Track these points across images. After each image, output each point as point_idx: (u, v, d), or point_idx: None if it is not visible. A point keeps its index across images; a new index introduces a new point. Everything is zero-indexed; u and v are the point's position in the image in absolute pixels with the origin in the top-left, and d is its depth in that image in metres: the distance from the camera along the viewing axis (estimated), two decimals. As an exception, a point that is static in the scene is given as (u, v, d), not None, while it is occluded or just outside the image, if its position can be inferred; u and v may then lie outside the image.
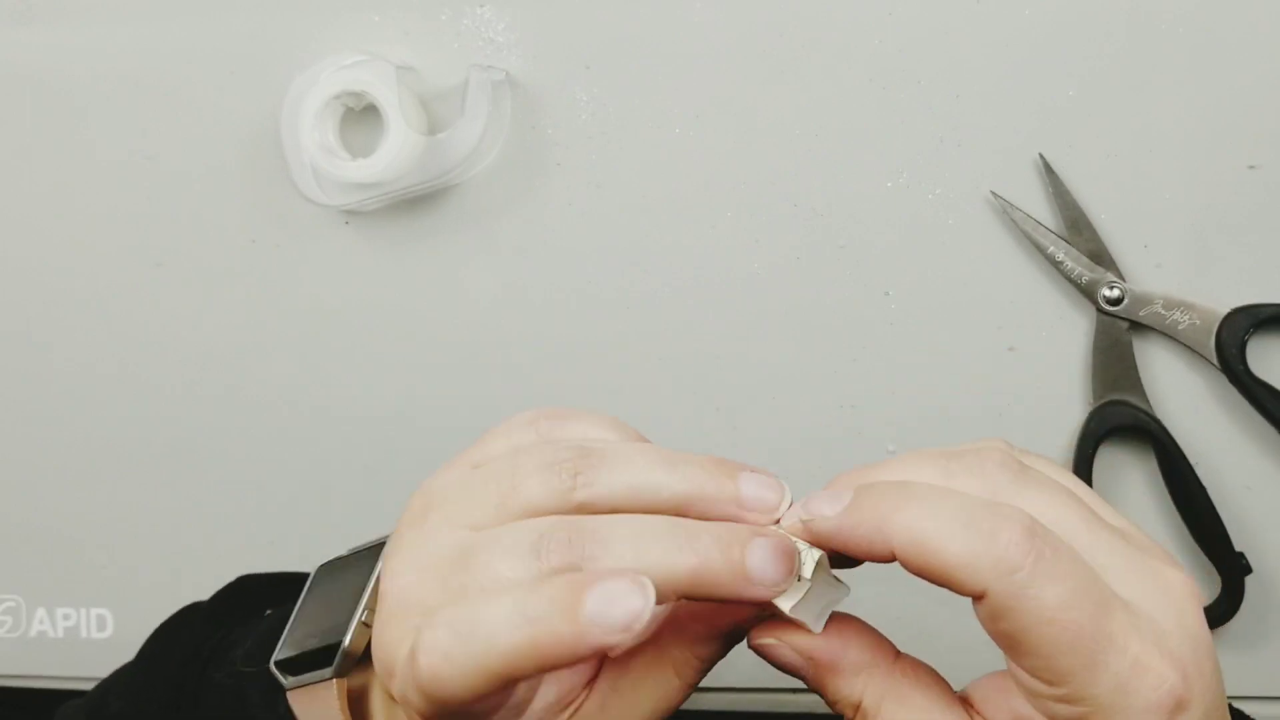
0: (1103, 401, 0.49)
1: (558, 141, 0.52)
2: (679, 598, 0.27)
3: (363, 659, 0.34)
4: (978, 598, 0.26)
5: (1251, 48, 0.47)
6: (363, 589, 0.34)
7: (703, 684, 0.53)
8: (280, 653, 0.36)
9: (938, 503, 0.27)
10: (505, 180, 0.52)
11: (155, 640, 0.41)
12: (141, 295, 0.56)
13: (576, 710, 0.31)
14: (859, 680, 0.29)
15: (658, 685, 0.31)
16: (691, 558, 0.27)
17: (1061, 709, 0.27)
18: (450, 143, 0.51)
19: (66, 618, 0.57)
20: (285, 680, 0.35)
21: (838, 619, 0.29)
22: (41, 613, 0.58)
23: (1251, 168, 0.48)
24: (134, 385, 0.56)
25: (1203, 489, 0.48)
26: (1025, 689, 0.27)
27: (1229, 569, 0.48)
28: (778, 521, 0.29)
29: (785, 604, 0.28)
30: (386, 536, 0.35)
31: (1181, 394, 0.49)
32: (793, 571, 0.27)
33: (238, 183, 0.54)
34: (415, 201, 0.53)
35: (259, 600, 0.42)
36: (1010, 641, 0.26)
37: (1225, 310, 0.47)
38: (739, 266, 0.51)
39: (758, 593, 0.27)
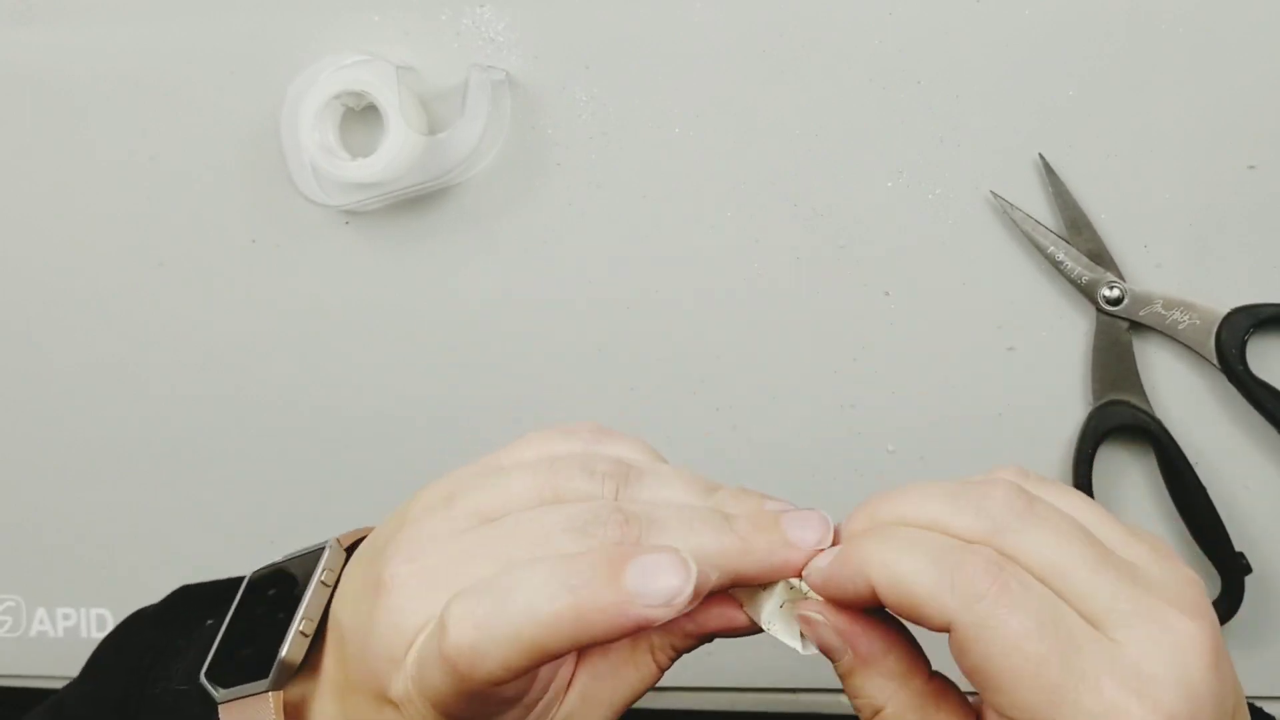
0: (1103, 401, 0.49)
1: (558, 141, 0.52)
2: (723, 583, 0.28)
3: (299, 671, 0.32)
4: (947, 630, 0.26)
5: (1251, 48, 0.47)
6: (300, 598, 0.33)
7: (702, 684, 0.53)
8: (211, 664, 0.34)
9: (912, 543, 0.27)
10: (505, 180, 0.52)
11: (103, 649, 0.39)
12: (141, 295, 0.56)
13: (560, 702, 0.31)
14: (890, 686, 0.29)
15: (636, 670, 0.31)
16: (735, 539, 0.27)
17: None
18: (450, 143, 0.51)
19: (66, 617, 0.57)
20: (217, 694, 0.33)
21: (887, 622, 0.30)
22: (42, 613, 0.58)
23: (1251, 168, 0.48)
24: (134, 385, 0.56)
25: (1202, 489, 0.48)
26: None
27: (1229, 569, 0.48)
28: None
29: (761, 617, 0.29)
30: (321, 544, 0.34)
31: (1181, 394, 0.49)
32: (827, 533, 0.28)
33: (238, 183, 0.54)
34: (415, 201, 0.53)
35: (207, 608, 0.39)
36: (978, 677, 0.26)
37: (1225, 310, 0.47)
38: (739, 266, 0.51)
39: (797, 558, 0.28)
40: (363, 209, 0.52)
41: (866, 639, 0.29)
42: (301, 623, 0.32)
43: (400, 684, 0.28)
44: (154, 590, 0.57)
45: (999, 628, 0.25)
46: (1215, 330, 0.47)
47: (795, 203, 0.51)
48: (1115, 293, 0.48)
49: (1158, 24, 0.48)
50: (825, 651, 0.29)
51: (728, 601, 0.30)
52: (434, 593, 0.27)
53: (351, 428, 0.55)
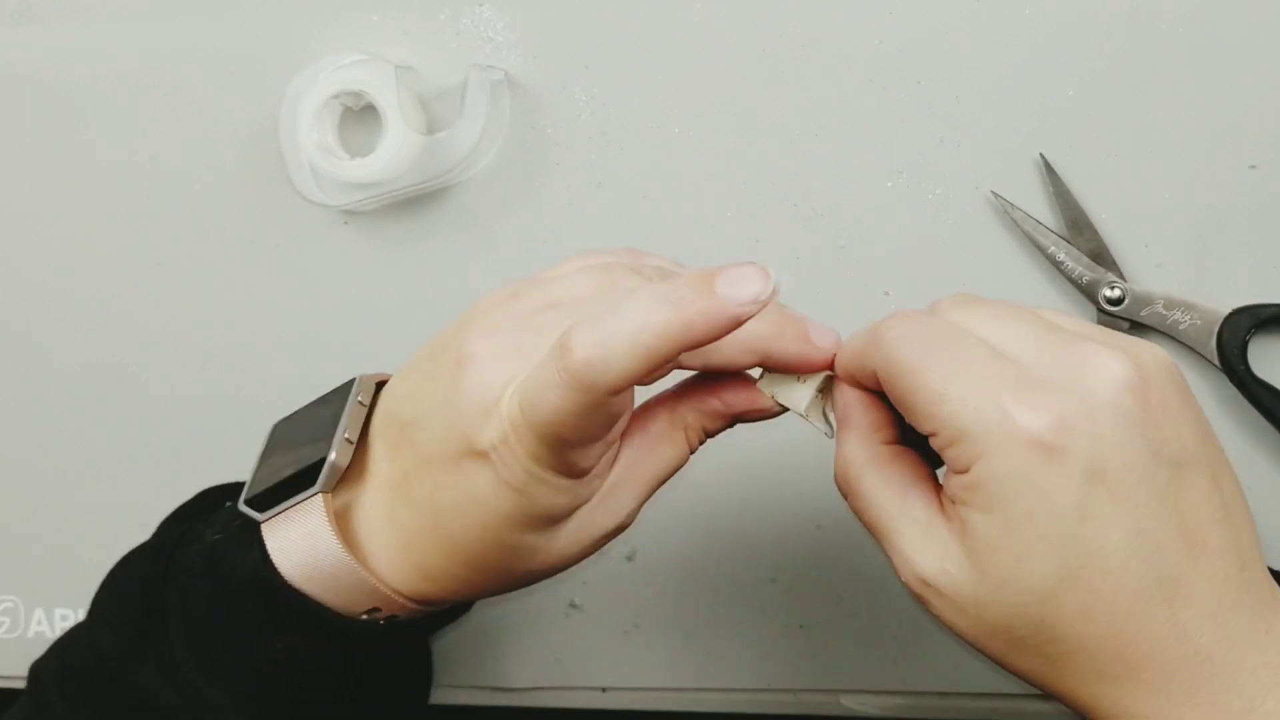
0: (1103, 402, 0.48)
1: (557, 141, 0.52)
2: (758, 359, 0.34)
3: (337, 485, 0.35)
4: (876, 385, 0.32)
5: (1251, 48, 0.47)
6: (339, 416, 0.35)
7: (702, 684, 0.53)
8: (249, 492, 0.36)
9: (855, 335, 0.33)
10: (504, 180, 0.52)
11: (110, 573, 0.41)
12: (141, 295, 0.56)
13: (611, 467, 0.35)
14: (860, 451, 0.34)
15: (671, 446, 0.35)
16: (770, 324, 0.34)
17: (950, 453, 0.30)
18: (449, 142, 0.51)
19: (64, 618, 0.57)
20: (259, 516, 0.35)
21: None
22: (40, 613, 0.58)
23: (1252, 168, 0.47)
24: (134, 385, 0.56)
25: (1203, 490, 0.47)
26: (941, 457, 0.31)
27: (1230, 570, 0.48)
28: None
29: (800, 405, 0.35)
30: (349, 380, 0.37)
31: (1182, 394, 0.49)
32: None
33: (237, 183, 0.54)
34: (414, 201, 0.53)
35: (221, 498, 0.41)
36: (897, 403, 0.31)
37: (1226, 310, 0.47)
38: (739, 266, 0.51)
39: (822, 339, 0.34)
40: (362, 209, 0.52)
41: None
42: (346, 430, 0.35)
43: (494, 430, 0.31)
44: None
45: (886, 337, 0.31)
46: (1216, 330, 0.47)
47: (795, 203, 0.51)
48: (1116, 293, 0.48)
49: (1158, 24, 0.48)
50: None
51: (753, 387, 0.35)
52: (519, 358, 0.31)
53: (351, 428, 0.55)
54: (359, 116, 0.53)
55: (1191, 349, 0.48)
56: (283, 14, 0.53)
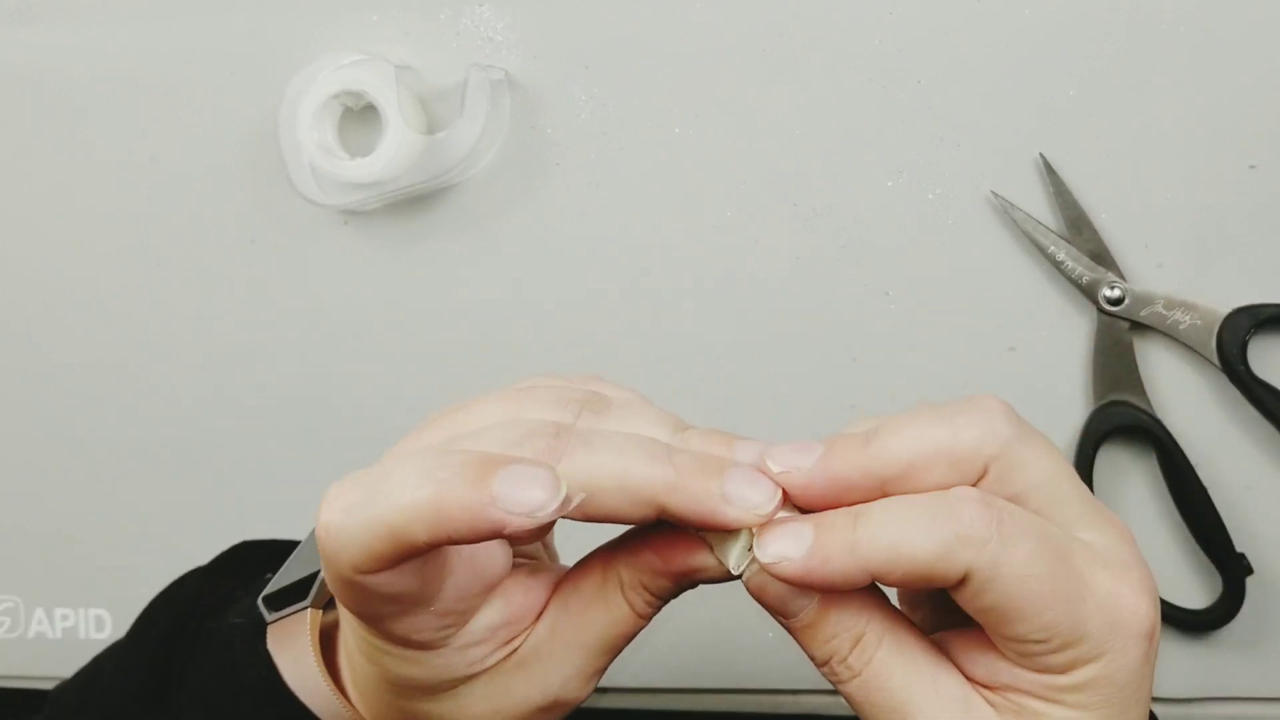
0: (1104, 402, 0.48)
1: (557, 141, 0.52)
2: (655, 512, 0.27)
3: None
4: (961, 582, 0.26)
5: (1251, 48, 0.47)
6: None
7: (702, 685, 0.53)
8: (268, 589, 0.35)
9: (894, 510, 0.26)
10: (504, 180, 0.52)
11: (153, 603, 0.40)
12: (141, 295, 0.56)
13: (526, 635, 0.30)
14: (863, 612, 0.28)
15: (609, 609, 0.30)
16: (668, 473, 0.26)
17: (1056, 659, 0.27)
18: (449, 142, 0.51)
19: (65, 618, 0.57)
20: (268, 616, 0.34)
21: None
22: (40, 613, 0.58)
23: (1252, 168, 0.47)
24: (133, 385, 0.56)
25: (1204, 489, 0.47)
26: (1019, 654, 0.27)
27: (1230, 569, 0.48)
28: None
29: (731, 562, 0.28)
30: None
31: (1182, 394, 0.49)
32: (772, 499, 0.27)
33: (237, 183, 0.54)
34: (414, 201, 0.53)
35: (260, 566, 0.41)
36: (996, 614, 0.26)
37: (1226, 310, 0.47)
38: (739, 266, 0.51)
39: (731, 514, 0.27)
40: (361, 209, 0.52)
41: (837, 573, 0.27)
42: None
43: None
44: (153, 591, 0.57)
45: (1010, 562, 0.26)
46: (1216, 330, 0.47)
47: (795, 203, 0.51)
48: (1116, 293, 0.48)
49: (1158, 24, 0.48)
50: (786, 611, 0.28)
51: (696, 543, 0.29)
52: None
53: (351, 427, 0.55)
54: (359, 116, 0.53)
55: (1191, 349, 0.48)
56: (283, 14, 0.53)
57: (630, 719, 0.54)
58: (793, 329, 0.51)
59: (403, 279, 0.54)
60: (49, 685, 0.58)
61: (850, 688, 0.28)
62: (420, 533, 0.25)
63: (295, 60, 0.52)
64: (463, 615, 0.29)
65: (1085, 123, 0.48)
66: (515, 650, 0.30)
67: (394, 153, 0.50)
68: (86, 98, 0.55)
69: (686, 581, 0.29)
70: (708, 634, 0.52)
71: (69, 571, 0.58)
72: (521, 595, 0.30)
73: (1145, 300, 0.48)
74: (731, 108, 0.51)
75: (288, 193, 0.52)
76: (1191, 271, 0.48)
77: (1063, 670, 0.27)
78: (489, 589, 0.30)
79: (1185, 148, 0.48)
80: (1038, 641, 0.26)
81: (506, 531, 0.24)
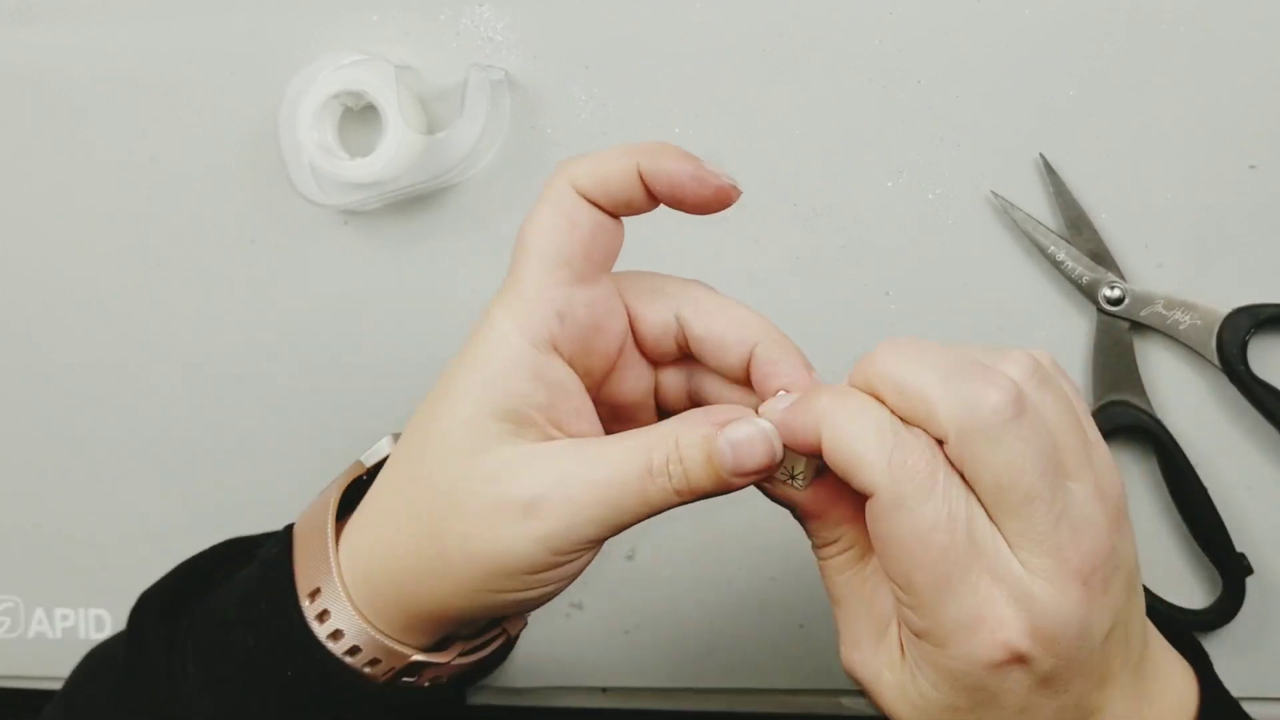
0: (1103, 402, 0.48)
1: (557, 141, 0.52)
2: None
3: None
4: (869, 494, 0.29)
5: (1251, 48, 0.47)
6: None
7: (702, 684, 0.53)
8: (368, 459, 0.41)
9: (862, 410, 0.30)
10: (504, 180, 0.52)
11: (142, 596, 0.44)
12: (141, 295, 0.56)
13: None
14: (843, 527, 0.33)
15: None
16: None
17: (911, 619, 0.30)
18: (449, 142, 0.51)
19: (65, 618, 0.57)
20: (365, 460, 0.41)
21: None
22: (40, 613, 0.58)
23: (1252, 168, 0.47)
24: (134, 385, 0.56)
25: (1204, 489, 0.47)
26: (896, 595, 0.30)
27: (1230, 570, 0.48)
28: None
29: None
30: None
31: (1182, 394, 0.49)
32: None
33: (237, 183, 0.54)
34: (414, 201, 0.53)
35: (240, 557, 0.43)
36: (880, 543, 0.29)
37: (1226, 310, 0.47)
38: (739, 266, 0.51)
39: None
40: (362, 209, 0.52)
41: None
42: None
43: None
44: (153, 590, 0.56)
45: (915, 509, 0.28)
46: (1216, 330, 0.47)
47: (795, 203, 0.51)
48: (1116, 293, 0.48)
49: (1158, 24, 0.48)
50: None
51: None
52: None
53: (352, 427, 0.55)
54: (359, 116, 0.53)
55: (1191, 349, 0.48)
56: (283, 14, 0.53)
57: (630, 718, 0.54)
58: (793, 329, 0.51)
59: (403, 279, 0.54)
60: (49, 685, 0.59)
61: (821, 565, 0.33)
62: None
63: (295, 60, 0.52)
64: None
65: (1085, 123, 0.48)
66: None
67: (394, 153, 0.50)
68: (86, 98, 0.55)
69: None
70: (708, 634, 0.52)
71: (69, 571, 0.58)
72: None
73: (1145, 300, 0.48)
74: (731, 108, 0.51)
75: (288, 193, 0.52)
76: (1191, 271, 0.48)
77: (919, 635, 0.30)
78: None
79: (1185, 148, 0.48)
80: (902, 589, 0.29)
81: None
